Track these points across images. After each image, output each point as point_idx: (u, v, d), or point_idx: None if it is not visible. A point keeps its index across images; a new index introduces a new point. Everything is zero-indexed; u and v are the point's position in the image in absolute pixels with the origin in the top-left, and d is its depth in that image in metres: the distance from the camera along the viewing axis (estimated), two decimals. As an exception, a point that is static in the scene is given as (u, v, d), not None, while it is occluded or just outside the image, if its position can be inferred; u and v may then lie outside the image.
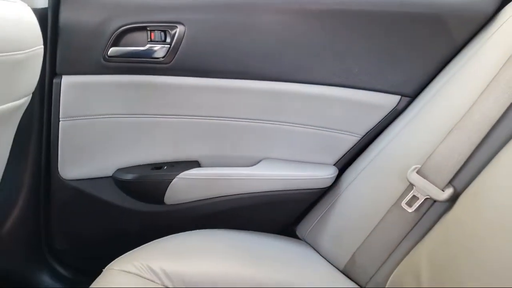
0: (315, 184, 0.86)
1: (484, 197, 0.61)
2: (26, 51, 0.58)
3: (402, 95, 0.83)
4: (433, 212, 0.69)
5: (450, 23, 0.77)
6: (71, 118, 0.85)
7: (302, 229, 0.90)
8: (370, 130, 0.85)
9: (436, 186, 0.68)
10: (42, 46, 0.64)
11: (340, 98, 0.84)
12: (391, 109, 0.83)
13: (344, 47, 0.81)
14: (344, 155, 0.88)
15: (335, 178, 0.87)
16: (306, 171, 0.87)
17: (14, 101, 0.60)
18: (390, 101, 0.83)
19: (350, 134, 0.86)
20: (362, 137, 0.86)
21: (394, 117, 0.83)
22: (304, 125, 0.86)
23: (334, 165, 0.89)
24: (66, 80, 0.82)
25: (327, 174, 0.86)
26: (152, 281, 0.69)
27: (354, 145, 0.87)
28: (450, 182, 0.68)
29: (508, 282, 0.50)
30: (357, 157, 0.86)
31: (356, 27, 0.80)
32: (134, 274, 0.69)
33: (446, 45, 0.79)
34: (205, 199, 0.89)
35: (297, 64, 0.82)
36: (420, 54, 0.80)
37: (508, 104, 0.64)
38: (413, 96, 0.82)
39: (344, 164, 0.88)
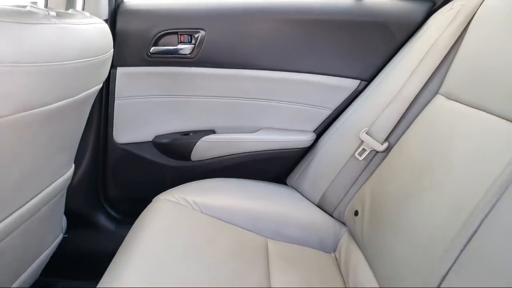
0: (299, 145, 1.19)
1: (405, 148, 0.93)
2: (108, 53, 0.90)
3: (360, 79, 1.15)
4: (375, 160, 1.02)
5: (392, 29, 1.09)
6: (123, 98, 1.18)
7: (290, 179, 1.23)
8: (338, 105, 1.17)
9: (377, 141, 1.00)
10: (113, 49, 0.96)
11: (316, 82, 1.16)
12: (353, 90, 1.15)
13: (318, 46, 1.13)
14: (321, 124, 1.20)
15: (313, 140, 1.19)
16: (293, 136, 1.19)
17: (98, 85, 0.92)
18: (352, 84, 1.15)
19: (324, 108, 1.18)
20: (333, 111, 1.18)
21: (355, 96, 1.15)
22: (290, 102, 1.19)
23: (313, 131, 1.21)
24: (120, 71, 1.15)
25: (307, 137, 1.19)
26: (186, 206, 1.03)
27: (327, 116, 1.19)
28: (386, 139, 1.00)
29: (413, 202, 0.81)
30: (330, 125, 1.18)
31: (326, 31, 1.12)
32: (174, 202, 1.03)
33: (390, 44, 1.10)
34: (219, 156, 1.22)
35: (285, 58, 1.14)
36: (373, 50, 1.12)
37: (421, 86, 0.95)
38: (368, 81, 1.14)
39: (321, 130, 1.20)
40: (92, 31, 0.78)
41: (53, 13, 0.68)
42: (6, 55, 0.57)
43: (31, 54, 0.60)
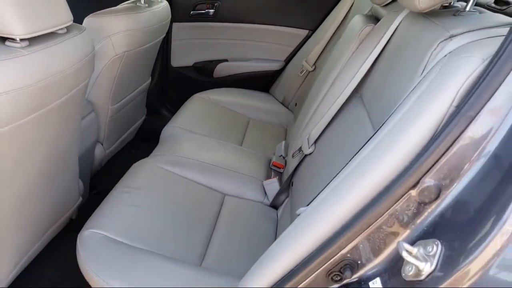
0: (275, 68, 2.07)
1: (319, 67, 1.78)
2: (168, 19, 1.79)
3: (308, 29, 1.97)
4: (308, 76, 1.87)
5: (324, -1, 1.89)
6: (176, 40, 2.08)
7: (271, 89, 2.11)
8: (297, 45, 2.01)
9: (309, 65, 1.85)
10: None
11: (284, 31, 2.00)
12: (304, 37, 1.98)
13: (281, 8, 1.95)
14: (288, 55, 2.05)
15: (283, 65, 2.05)
16: (272, 63, 2.06)
17: (163, 35, 1.83)
18: (303, 32, 1.98)
19: (289, 46, 2.03)
20: (294, 48, 2.02)
21: (305, 41, 1.98)
22: (270, 42, 2.04)
23: (284, 60, 2.07)
24: (175, 25, 2.04)
25: (280, 64, 2.06)
26: (208, 101, 1.95)
27: (291, 52, 2.04)
28: (314, 63, 1.84)
29: (311, 91, 1.67)
30: (293, 56, 2.03)
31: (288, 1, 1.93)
32: (202, 98, 1.95)
33: (326, 6, 1.90)
34: (229, 75, 2.12)
35: (265, 16, 1.98)
36: (316, 8, 1.92)
37: (338, 25, 1.77)
38: (313, 30, 1.96)
39: (288, 59, 2.06)
40: (161, 10, 1.68)
41: (145, 5, 1.58)
42: (129, 27, 1.48)
43: (138, 25, 1.51)
